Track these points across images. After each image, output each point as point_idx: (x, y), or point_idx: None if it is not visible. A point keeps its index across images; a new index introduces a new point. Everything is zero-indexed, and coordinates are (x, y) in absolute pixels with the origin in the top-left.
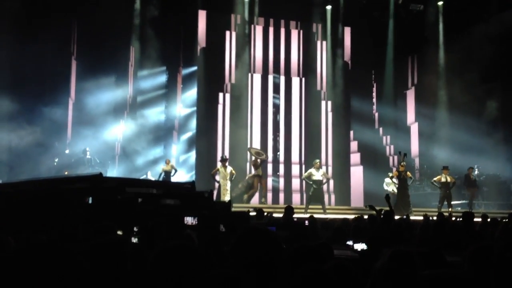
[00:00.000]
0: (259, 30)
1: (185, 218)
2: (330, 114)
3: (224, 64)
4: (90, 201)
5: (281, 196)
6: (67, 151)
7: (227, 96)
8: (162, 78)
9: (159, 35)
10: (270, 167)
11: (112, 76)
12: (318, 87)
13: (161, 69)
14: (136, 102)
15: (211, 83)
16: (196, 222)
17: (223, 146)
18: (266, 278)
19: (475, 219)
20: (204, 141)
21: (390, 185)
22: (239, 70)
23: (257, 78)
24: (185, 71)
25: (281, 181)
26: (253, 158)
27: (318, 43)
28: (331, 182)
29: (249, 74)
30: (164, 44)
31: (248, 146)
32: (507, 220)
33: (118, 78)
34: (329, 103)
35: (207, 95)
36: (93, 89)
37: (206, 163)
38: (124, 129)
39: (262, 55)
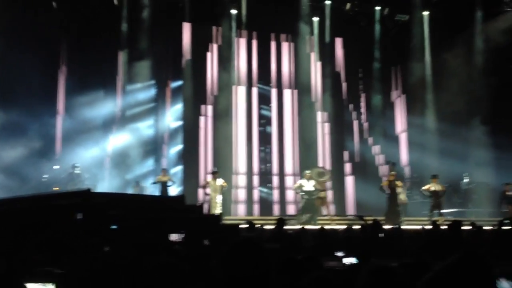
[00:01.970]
0: (244, 43)
1: (170, 234)
2: (326, 125)
3: (207, 76)
4: (79, 217)
5: (275, 207)
6: (56, 167)
7: (209, 108)
8: (151, 92)
9: (146, 48)
10: (256, 178)
11: (101, 89)
12: (313, 98)
13: (150, 83)
14: (125, 116)
15: (195, 96)
16: (182, 238)
17: (205, 159)
18: None
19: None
20: (190, 154)
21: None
22: (223, 83)
23: (241, 90)
24: (173, 84)
25: (275, 192)
26: (316, 179)
27: (312, 55)
28: (330, 192)
29: (233, 86)
30: (152, 58)
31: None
32: (497, 227)
33: (107, 92)
34: (325, 114)
35: (192, 108)
36: (81, 103)
37: (192, 176)
38: (114, 143)
39: (248, 67)
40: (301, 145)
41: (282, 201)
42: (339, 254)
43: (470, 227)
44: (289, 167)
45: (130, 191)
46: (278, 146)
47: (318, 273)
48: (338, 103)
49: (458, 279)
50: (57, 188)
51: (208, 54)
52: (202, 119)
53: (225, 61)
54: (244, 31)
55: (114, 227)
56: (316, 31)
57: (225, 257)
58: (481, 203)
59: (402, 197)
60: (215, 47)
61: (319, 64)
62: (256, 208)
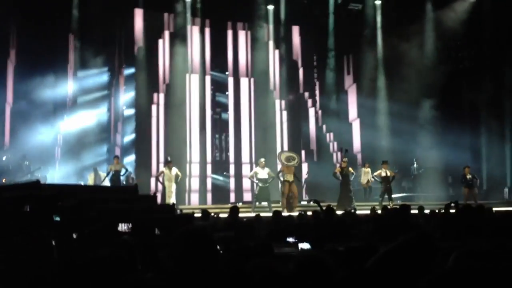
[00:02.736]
0: (197, 30)
1: (120, 224)
2: (284, 113)
3: (159, 64)
4: (27, 209)
5: (232, 195)
6: (4, 158)
7: (161, 96)
8: (104, 79)
9: (98, 34)
10: (209, 167)
11: (51, 76)
12: (271, 87)
13: (102, 69)
14: (77, 103)
15: (147, 84)
16: (130, 228)
17: (158, 148)
18: (202, 279)
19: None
20: (142, 143)
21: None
22: (176, 71)
23: (195, 78)
24: (126, 72)
25: (232, 181)
26: (283, 163)
27: (270, 43)
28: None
29: (187, 75)
30: (104, 44)
31: (190, 147)
32: (443, 211)
33: (58, 78)
34: (283, 102)
35: (145, 96)
36: (31, 89)
37: (144, 165)
38: (66, 129)
39: (202, 55)
40: (258, 133)
41: (239, 189)
42: (291, 240)
43: (417, 211)
44: (245, 155)
45: (86, 178)
46: (235, 134)
47: (260, 260)
48: (295, 91)
49: (404, 259)
50: (4, 180)
51: (160, 42)
52: (154, 108)
53: (178, 49)
54: (198, 18)
55: (57, 219)
56: (271, 18)
57: (172, 246)
58: (429, 187)
59: (368, 178)
60: (167, 34)
61: (277, 52)
62: (209, 197)
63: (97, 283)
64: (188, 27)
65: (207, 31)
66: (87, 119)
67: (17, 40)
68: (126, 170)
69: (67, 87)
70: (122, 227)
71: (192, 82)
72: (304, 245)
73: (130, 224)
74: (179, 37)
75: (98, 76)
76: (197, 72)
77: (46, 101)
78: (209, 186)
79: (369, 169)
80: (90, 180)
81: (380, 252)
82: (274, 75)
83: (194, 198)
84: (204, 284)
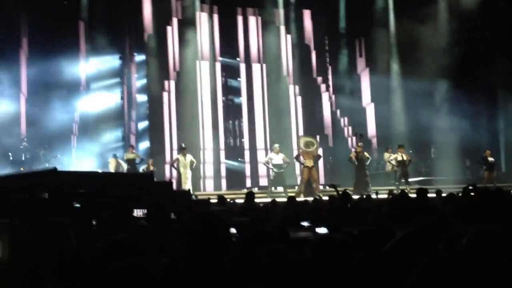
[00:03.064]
0: (205, 17)
1: (135, 209)
2: (299, 99)
3: (168, 52)
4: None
5: (248, 181)
6: (21, 147)
7: (172, 84)
8: (115, 65)
9: (108, 22)
10: (223, 153)
11: (63, 63)
12: (284, 73)
13: (114, 56)
14: (89, 89)
15: (158, 71)
16: (145, 214)
17: (170, 135)
18: (214, 262)
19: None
20: (155, 130)
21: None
22: (186, 58)
23: (205, 65)
24: (138, 59)
25: (247, 166)
26: (302, 149)
27: (282, 28)
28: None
29: (197, 61)
30: (114, 31)
31: (197, 135)
32: (461, 194)
33: (70, 65)
34: (297, 87)
35: (156, 83)
36: (44, 80)
37: (158, 152)
38: (80, 114)
39: (212, 41)
40: (272, 119)
41: (255, 175)
42: (306, 224)
43: (435, 195)
44: (260, 141)
45: (106, 164)
46: (249, 120)
47: (271, 246)
48: (309, 76)
49: (422, 244)
50: (22, 169)
51: (169, 29)
52: (165, 95)
53: (187, 36)
54: (206, 5)
55: (77, 205)
56: (281, 3)
57: (182, 230)
58: (447, 171)
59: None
60: (175, 21)
61: (288, 37)
62: (224, 183)
63: (112, 266)
64: (197, 13)
65: (216, 17)
66: (101, 104)
67: (28, 29)
68: (141, 159)
69: (80, 73)
70: (137, 213)
71: (203, 69)
72: (321, 230)
73: (146, 210)
74: (187, 24)
75: (110, 63)
76: (207, 59)
77: (59, 88)
78: (223, 172)
79: (391, 154)
80: (111, 167)
81: (397, 237)
82: (287, 60)
83: (209, 185)
84: (216, 269)
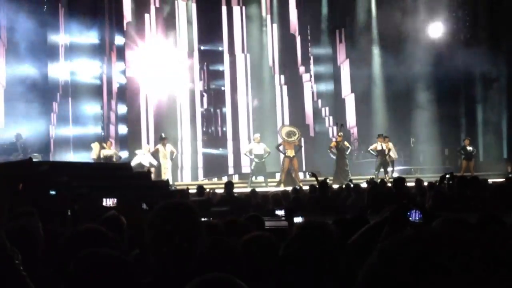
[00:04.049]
0: (184, 6)
1: (104, 199)
2: (285, 88)
3: (146, 39)
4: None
5: (230, 170)
6: None
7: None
8: (95, 42)
9: (87, 6)
10: (200, 143)
11: (42, 51)
12: (270, 63)
13: (95, 42)
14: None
15: (137, 59)
16: (115, 203)
17: (147, 123)
18: (182, 252)
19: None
20: (133, 118)
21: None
22: (165, 46)
23: (183, 54)
24: (117, 44)
25: (230, 156)
26: (283, 138)
27: (268, 18)
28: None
29: (175, 50)
30: (94, 16)
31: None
32: (438, 182)
33: (49, 53)
34: (282, 77)
35: (135, 71)
36: (23, 69)
37: (135, 141)
38: (57, 111)
39: (190, 30)
40: (255, 109)
41: (238, 164)
42: (280, 213)
43: (414, 184)
44: (243, 130)
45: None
46: (232, 109)
47: (252, 234)
48: (293, 66)
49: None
50: None
51: (147, 16)
52: (143, 83)
53: (168, 24)
54: None
55: (53, 192)
56: None
57: (152, 220)
58: (426, 160)
59: (393, 154)
60: (153, 9)
61: (275, 26)
62: (201, 173)
63: (78, 256)
64: (176, 2)
65: (194, 6)
66: (81, 76)
67: (7, 16)
68: (120, 157)
69: (60, 60)
70: (107, 202)
71: (182, 58)
72: (297, 219)
73: (116, 200)
74: (165, 12)
75: (89, 39)
76: (185, 49)
77: (38, 78)
78: (201, 162)
79: (390, 144)
80: (93, 153)
81: (366, 226)
82: (272, 50)
83: (187, 175)
84: (183, 259)
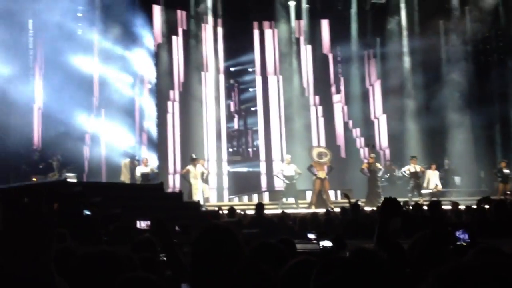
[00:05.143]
0: (211, 28)
1: (137, 221)
2: (319, 109)
3: (173, 61)
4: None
5: (266, 194)
6: (35, 157)
7: (177, 93)
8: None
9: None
10: (225, 164)
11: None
12: (305, 84)
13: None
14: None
15: (164, 81)
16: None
17: (174, 145)
18: (224, 274)
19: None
20: (161, 140)
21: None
22: (191, 68)
23: (210, 76)
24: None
25: (264, 178)
26: (314, 159)
27: (301, 39)
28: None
29: (202, 73)
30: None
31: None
32: (475, 207)
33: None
34: (317, 98)
35: (161, 93)
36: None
37: (164, 162)
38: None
39: (216, 53)
40: (288, 130)
41: (271, 185)
42: (311, 236)
43: (450, 207)
44: (276, 151)
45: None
46: (265, 131)
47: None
48: (326, 87)
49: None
50: (35, 179)
51: (174, 39)
52: (169, 104)
53: (193, 46)
54: (209, 17)
55: (87, 213)
56: (293, 15)
57: (193, 243)
58: (461, 182)
59: (435, 184)
60: (180, 31)
61: (309, 47)
62: (226, 193)
63: (121, 278)
64: (202, 25)
65: (220, 30)
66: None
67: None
68: (157, 173)
69: (93, 87)
70: (141, 224)
71: (208, 81)
72: (325, 243)
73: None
74: (194, 35)
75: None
76: (212, 71)
77: (71, 100)
78: (225, 183)
79: (436, 172)
80: (123, 175)
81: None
82: (307, 71)
83: (213, 194)
84: (224, 282)
